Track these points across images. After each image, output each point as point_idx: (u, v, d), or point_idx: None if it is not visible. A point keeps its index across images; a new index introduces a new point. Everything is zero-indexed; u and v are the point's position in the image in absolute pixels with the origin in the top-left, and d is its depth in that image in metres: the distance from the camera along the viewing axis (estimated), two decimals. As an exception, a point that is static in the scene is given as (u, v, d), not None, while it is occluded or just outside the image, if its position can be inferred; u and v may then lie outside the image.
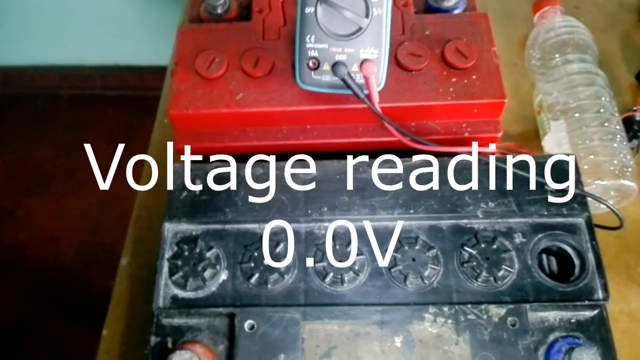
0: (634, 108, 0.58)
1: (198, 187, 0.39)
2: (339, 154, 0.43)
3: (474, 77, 0.44)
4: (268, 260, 0.36)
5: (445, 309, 0.34)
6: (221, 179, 0.39)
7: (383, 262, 0.36)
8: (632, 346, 0.47)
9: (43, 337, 1.21)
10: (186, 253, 0.37)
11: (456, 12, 0.49)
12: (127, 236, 0.59)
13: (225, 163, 0.40)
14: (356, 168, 0.39)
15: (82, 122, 1.51)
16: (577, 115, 0.54)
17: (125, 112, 1.49)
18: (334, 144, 0.45)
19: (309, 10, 0.40)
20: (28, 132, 1.51)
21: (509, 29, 0.66)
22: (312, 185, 0.39)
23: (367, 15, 0.40)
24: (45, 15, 1.36)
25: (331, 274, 0.36)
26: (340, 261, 0.36)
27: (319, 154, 0.43)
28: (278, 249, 0.37)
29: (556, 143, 0.55)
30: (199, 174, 0.39)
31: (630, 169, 0.51)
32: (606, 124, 0.53)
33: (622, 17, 0.68)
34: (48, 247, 1.33)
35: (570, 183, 0.38)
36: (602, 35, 0.63)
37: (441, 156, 0.40)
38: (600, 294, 0.35)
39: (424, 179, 0.39)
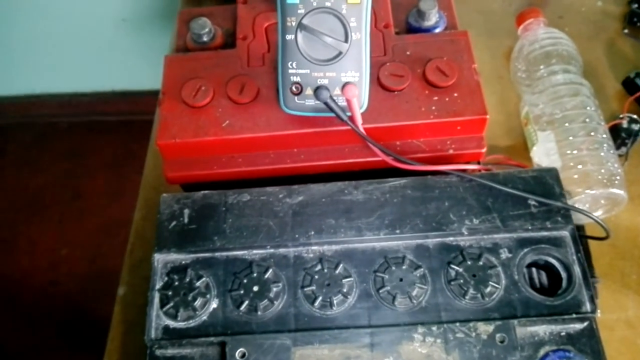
0: (621, 116, 0.58)
1: (186, 217, 0.39)
2: (327, 176, 0.43)
3: (455, 94, 0.44)
4: (257, 287, 0.37)
5: (434, 328, 0.34)
6: (209, 207, 0.40)
7: (371, 283, 0.37)
8: (632, 354, 0.47)
9: (48, 365, 1.21)
10: (176, 283, 0.37)
11: (437, 30, 0.50)
12: (123, 265, 0.59)
13: (213, 191, 0.41)
14: (342, 190, 0.40)
15: (80, 149, 1.52)
16: (564, 125, 0.55)
17: (123, 138, 1.50)
18: (321, 166, 0.45)
19: (289, 37, 0.41)
20: (26, 161, 1.52)
21: (494, 42, 0.67)
22: (299, 210, 0.39)
23: (346, 40, 0.40)
24: (40, 44, 1.38)
25: (320, 298, 0.36)
26: (328, 285, 0.36)
27: (306, 177, 0.44)
28: (267, 275, 0.37)
29: (545, 154, 0.56)
30: (186, 203, 0.40)
31: (618, 177, 0.51)
32: (593, 134, 0.54)
33: (606, 25, 0.68)
34: (48, 276, 1.33)
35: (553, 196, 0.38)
36: (587, 44, 0.63)
37: (425, 174, 0.41)
38: (588, 307, 0.35)
39: (409, 198, 0.39)
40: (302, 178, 0.43)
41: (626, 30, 0.67)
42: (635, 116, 0.58)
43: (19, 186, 1.48)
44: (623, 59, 0.65)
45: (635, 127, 0.58)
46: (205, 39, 0.50)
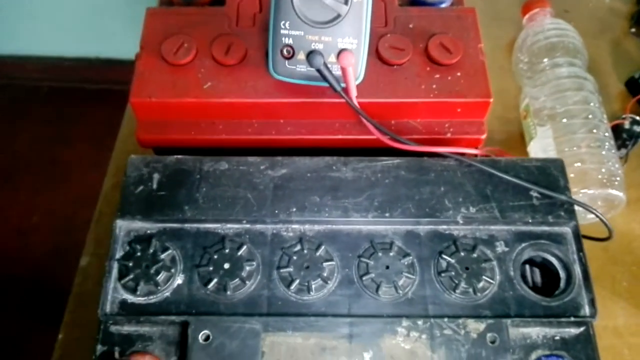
0: (623, 116, 0.56)
1: (155, 182, 0.35)
2: (314, 151, 0.40)
3: (459, 74, 0.41)
4: (228, 264, 0.33)
5: (420, 322, 0.31)
6: (181, 173, 0.36)
7: (354, 268, 0.33)
8: (616, 364, 0.45)
9: (9, 332, 1.17)
10: (139, 254, 0.33)
11: (442, 5, 0.46)
12: (88, 234, 0.55)
13: (187, 156, 0.37)
14: (329, 166, 0.36)
15: (60, 116, 1.47)
16: (564, 120, 0.52)
17: (105, 107, 1.44)
18: (308, 140, 0.42)
19: (284, -7, 0.37)
20: (3, 123, 1.47)
21: (496, 30, 0.64)
22: (281, 184, 0.36)
23: (346, 2, 0.37)
24: (26, 5, 1.33)
25: (297, 281, 0.33)
26: (307, 267, 0.33)
27: (292, 150, 0.40)
28: (240, 252, 0.34)
29: (542, 149, 0.53)
30: (157, 167, 0.36)
31: (618, 178, 0.49)
32: (594, 131, 0.51)
33: (612, 23, 0.66)
34: (16, 243, 1.28)
35: (558, 189, 0.36)
36: (591, 41, 0.61)
37: (421, 156, 0.37)
38: (587, 310, 0.33)
39: (402, 180, 0.36)
40: (286, 151, 0.40)
41: (633, 30, 0.65)
42: (637, 117, 0.56)
43: (-6, 147, 1.43)
44: (628, 59, 0.63)
45: (637, 128, 0.56)
46: (192, -6, 0.46)
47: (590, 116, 0.52)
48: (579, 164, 0.50)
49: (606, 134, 0.52)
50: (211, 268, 0.33)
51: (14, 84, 1.52)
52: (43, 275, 1.24)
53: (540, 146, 0.53)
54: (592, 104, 0.53)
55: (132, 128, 0.58)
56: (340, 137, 0.42)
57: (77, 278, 0.52)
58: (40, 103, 1.50)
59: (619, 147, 0.54)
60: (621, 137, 0.55)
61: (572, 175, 0.50)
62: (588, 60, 0.58)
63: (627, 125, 0.56)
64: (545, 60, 0.56)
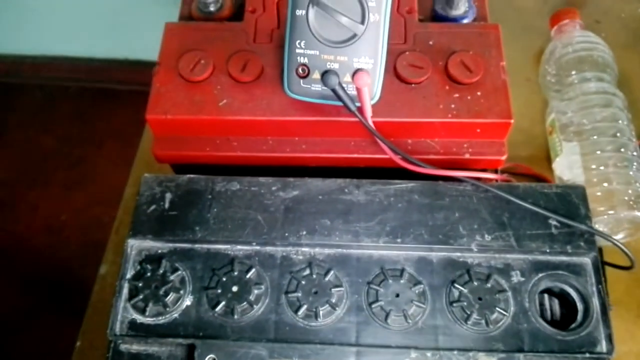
0: (654, 134, 0.54)
1: (167, 202, 0.36)
2: (327, 170, 0.39)
3: (479, 93, 0.40)
4: (237, 287, 0.33)
5: (429, 354, 0.31)
6: (193, 192, 0.36)
7: (363, 295, 0.33)
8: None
9: (35, 329, 1.20)
10: (149, 274, 0.33)
11: (465, 21, 0.45)
12: (108, 243, 0.56)
13: (199, 175, 0.37)
14: (341, 188, 0.36)
15: (88, 115, 1.50)
16: (592, 137, 0.51)
17: (133, 108, 1.46)
18: (322, 159, 0.41)
19: (300, 12, 0.37)
20: (35, 121, 1.51)
21: (524, 41, 0.63)
22: (292, 206, 0.35)
23: (363, 22, 0.36)
24: (58, 6, 1.36)
25: (305, 307, 0.32)
26: (316, 293, 0.33)
27: (305, 169, 0.40)
28: (249, 275, 0.33)
29: (568, 166, 0.52)
30: (169, 186, 0.36)
31: (646, 200, 0.47)
32: (622, 150, 0.49)
33: (646, 34, 0.64)
34: (47, 240, 1.31)
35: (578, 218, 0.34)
36: (623, 53, 0.59)
37: (436, 179, 0.37)
38: (603, 346, 0.31)
39: (416, 204, 0.35)
40: (300, 170, 0.39)
41: (668, 42, 0.62)
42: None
43: (25, 146, 1.47)
44: (661, 72, 0.61)
45: (667, 147, 0.54)
46: (212, 8, 0.46)
47: (618, 134, 0.50)
48: (605, 184, 0.49)
49: (634, 153, 0.50)
50: (219, 291, 0.33)
51: (45, 84, 1.55)
52: (70, 272, 1.27)
53: (566, 163, 0.52)
54: (620, 121, 0.51)
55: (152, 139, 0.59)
56: (355, 156, 0.41)
57: (96, 286, 0.53)
58: (70, 102, 1.54)
59: (648, 167, 0.52)
60: (651, 155, 0.53)
61: (598, 194, 0.48)
62: (618, 74, 0.56)
63: (657, 144, 0.54)
64: (573, 73, 0.55)
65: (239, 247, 0.35)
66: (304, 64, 0.38)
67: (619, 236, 0.50)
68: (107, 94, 1.53)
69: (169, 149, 0.42)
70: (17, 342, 1.19)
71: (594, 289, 0.33)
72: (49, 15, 1.38)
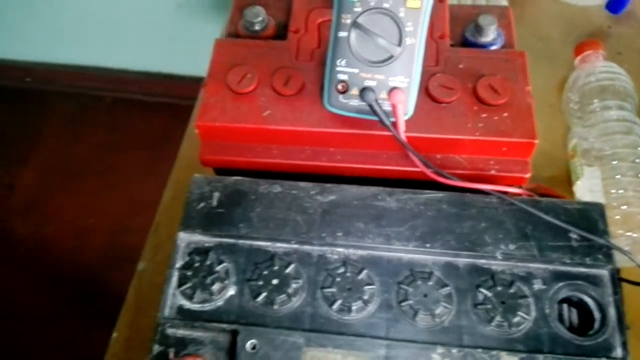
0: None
1: (215, 200, 0.39)
2: (360, 180, 0.42)
3: (505, 114, 0.43)
4: (277, 280, 0.36)
5: (455, 350, 0.33)
6: (239, 193, 0.39)
7: (393, 294, 0.35)
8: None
9: (60, 331, 1.23)
10: (197, 264, 0.36)
11: (493, 47, 0.48)
12: (146, 241, 0.59)
13: (244, 178, 0.40)
14: (375, 195, 0.39)
15: (120, 125, 1.55)
16: (612, 163, 0.53)
17: (162, 119, 1.52)
18: (356, 169, 0.44)
19: (342, 34, 0.40)
20: (67, 129, 1.56)
21: (549, 69, 0.65)
22: (329, 209, 0.38)
23: (400, 44, 0.40)
24: (96, 18, 1.42)
25: (339, 302, 0.35)
26: (349, 289, 0.35)
27: (339, 178, 0.43)
28: (288, 270, 0.36)
29: (588, 189, 0.54)
30: (217, 186, 0.40)
31: (663, 223, 0.49)
32: (641, 175, 0.51)
33: (667, 67, 0.66)
34: (74, 243, 1.35)
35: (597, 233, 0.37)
36: (644, 85, 0.61)
37: (464, 192, 0.39)
38: (619, 352, 0.33)
39: (444, 213, 0.38)
40: (334, 178, 0.42)
41: (689, 74, 0.64)
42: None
43: (57, 152, 1.52)
44: (681, 104, 0.62)
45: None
46: (257, 27, 0.50)
47: (637, 160, 0.52)
48: (624, 207, 0.50)
49: (653, 179, 0.52)
50: (261, 283, 0.36)
51: (80, 93, 1.62)
52: (96, 275, 1.30)
53: (587, 186, 0.54)
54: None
55: (192, 144, 0.62)
56: (386, 167, 0.44)
57: (134, 281, 0.56)
58: (103, 112, 1.59)
59: (666, 192, 0.54)
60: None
61: (617, 217, 0.50)
62: (639, 103, 0.58)
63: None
64: (596, 101, 0.57)
65: (278, 244, 0.38)
66: (344, 81, 0.41)
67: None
68: (138, 105, 1.58)
69: (214, 154, 0.45)
70: (42, 342, 1.22)
71: (611, 299, 0.35)
72: (84, 27, 1.44)
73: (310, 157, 0.45)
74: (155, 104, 1.57)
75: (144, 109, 1.57)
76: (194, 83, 1.49)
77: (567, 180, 0.57)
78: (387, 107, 0.41)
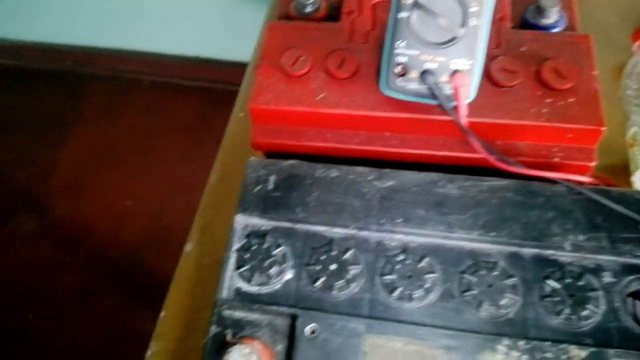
0: None
1: (271, 183, 0.38)
2: (416, 166, 0.41)
3: (571, 100, 0.41)
4: (335, 265, 0.35)
5: (521, 343, 0.32)
6: (295, 177, 0.39)
7: (455, 283, 0.34)
8: None
9: (98, 310, 1.26)
10: (254, 247, 0.36)
11: (555, 30, 0.46)
12: (193, 223, 0.60)
13: (300, 161, 0.40)
14: (435, 182, 0.38)
15: (158, 108, 1.57)
16: (674, 152, 0.50)
17: (200, 103, 1.53)
18: (412, 155, 0.43)
19: (402, 15, 0.39)
20: (106, 111, 1.59)
21: (605, 55, 0.61)
22: (388, 195, 0.37)
23: (463, 25, 0.38)
24: (135, 3, 1.43)
25: (400, 289, 0.34)
26: (410, 277, 0.35)
27: (394, 164, 0.42)
28: (346, 255, 0.36)
29: (649, 180, 0.51)
30: (273, 170, 0.39)
31: None
32: None
33: None
34: (111, 224, 1.38)
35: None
36: None
37: (528, 180, 0.38)
38: (696, 350, 0.32)
39: (509, 201, 0.36)
40: (389, 164, 0.42)
41: None
42: None
43: (96, 135, 1.55)
44: None
45: None
46: (309, 9, 0.49)
47: (703, 149, 0.50)
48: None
49: None
50: (319, 267, 0.35)
51: (118, 76, 1.64)
52: (132, 256, 1.33)
53: (647, 177, 0.52)
54: None
55: (237, 127, 0.62)
56: (443, 153, 0.43)
57: (181, 262, 0.57)
58: (140, 95, 1.61)
59: None
60: None
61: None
62: None
63: None
64: (657, 88, 0.54)
65: (336, 229, 0.37)
66: (403, 63, 0.40)
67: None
68: (175, 88, 1.60)
69: (266, 137, 0.45)
70: (78, 320, 1.25)
71: (685, 294, 0.33)
72: (124, 11, 1.45)
73: (364, 141, 0.44)
74: (192, 88, 1.58)
75: (181, 93, 1.58)
76: (231, 68, 1.50)
77: (625, 170, 0.55)
78: (447, 90, 0.39)
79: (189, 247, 0.57)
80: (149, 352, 0.51)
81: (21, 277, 1.32)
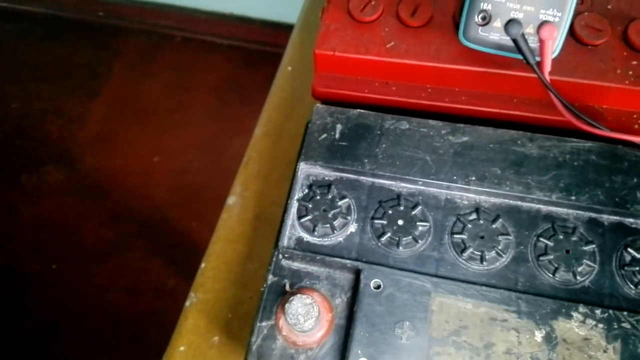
0: None
1: (338, 132, 0.37)
2: (485, 124, 0.39)
3: (661, 63, 0.38)
4: (402, 221, 0.34)
5: (598, 311, 0.30)
6: (363, 127, 0.37)
7: (530, 247, 0.33)
8: None
9: (121, 262, 1.27)
10: (318, 197, 0.35)
11: (644, -12, 0.43)
12: (236, 176, 0.59)
13: (369, 112, 0.38)
14: (514, 140, 0.35)
15: (188, 65, 1.55)
16: None
17: (232, 62, 1.50)
18: (481, 112, 0.41)
19: (489, -42, 0.36)
20: (137, 65, 1.57)
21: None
22: (462, 151, 0.35)
23: (556, -28, 0.35)
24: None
25: (470, 249, 0.33)
26: (482, 237, 0.33)
27: (461, 120, 0.40)
28: (414, 212, 0.34)
29: None
30: (340, 118, 0.37)
31: None
32: None
33: None
34: (139, 179, 1.38)
35: None
36: None
37: (613, 144, 0.35)
38: None
39: (593, 165, 0.34)
40: (455, 120, 0.39)
41: None
42: None
43: (127, 88, 1.54)
44: None
45: None
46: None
47: None
48: None
49: None
50: (385, 222, 0.34)
51: (150, 31, 1.62)
52: (159, 212, 1.33)
53: None
54: None
55: (284, 83, 0.60)
56: (516, 112, 0.40)
57: (223, 214, 0.56)
58: (172, 51, 1.59)
59: None
60: None
61: None
62: None
63: None
64: None
65: (403, 184, 0.35)
66: (486, 11, 0.37)
67: None
68: (207, 46, 1.57)
69: (329, 86, 0.43)
70: (104, 268, 1.27)
71: None
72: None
73: (431, 96, 0.41)
74: (225, 46, 1.55)
75: (213, 51, 1.56)
76: (266, 27, 1.47)
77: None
78: (533, 44, 0.37)
79: (231, 200, 0.56)
80: (187, 303, 0.51)
81: (47, 227, 1.34)
